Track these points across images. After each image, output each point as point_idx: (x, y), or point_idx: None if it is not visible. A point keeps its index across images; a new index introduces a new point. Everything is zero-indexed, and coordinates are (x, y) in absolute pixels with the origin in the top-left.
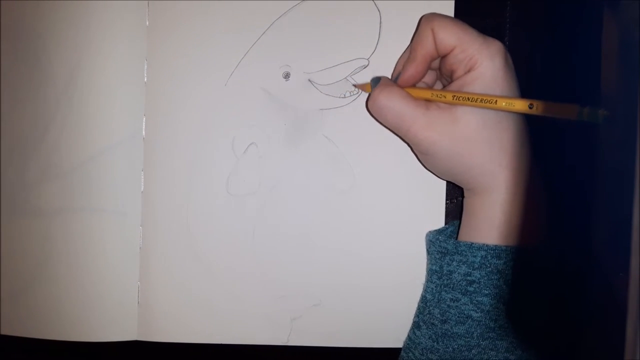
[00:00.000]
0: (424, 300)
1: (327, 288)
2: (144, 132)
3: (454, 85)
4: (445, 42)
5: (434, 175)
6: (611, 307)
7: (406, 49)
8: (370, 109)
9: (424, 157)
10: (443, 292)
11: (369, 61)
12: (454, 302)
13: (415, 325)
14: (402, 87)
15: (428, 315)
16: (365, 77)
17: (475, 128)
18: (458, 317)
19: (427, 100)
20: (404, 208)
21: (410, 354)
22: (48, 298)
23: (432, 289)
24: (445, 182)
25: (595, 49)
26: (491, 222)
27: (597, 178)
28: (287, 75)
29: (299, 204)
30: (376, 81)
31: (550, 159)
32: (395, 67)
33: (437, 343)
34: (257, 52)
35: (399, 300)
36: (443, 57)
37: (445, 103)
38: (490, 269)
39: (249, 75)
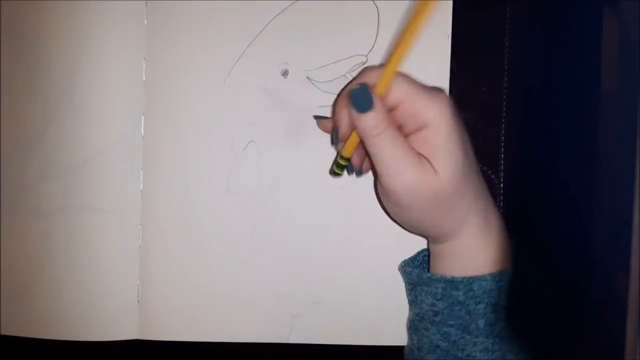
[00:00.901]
0: (407, 326)
1: (328, 285)
2: (143, 131)
3: (412, 142)
4: (393, 97)
5: None
6: (611, 307)
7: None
8: (387, 196)
9: (395, 208)
10: (416, 321)
11: (367, 58)
12: (425, 331)
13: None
14: (343, 139)
15: (409, 341)
16: None
17: (451, 178)
18: (429, 346)
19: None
20: None
21: None
22: (48, 298)
23: (410, 317)
24: None
25: (595, 49)
26: (452, 258)
27: (596, 178)
28: (285, 73)
29: (299, 201)
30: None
31: (550, 159)
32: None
33: None
34: (256, 50)
35: (399, 297)
36: (389, 111)
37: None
38: (451, 300)
39: (248, 73)
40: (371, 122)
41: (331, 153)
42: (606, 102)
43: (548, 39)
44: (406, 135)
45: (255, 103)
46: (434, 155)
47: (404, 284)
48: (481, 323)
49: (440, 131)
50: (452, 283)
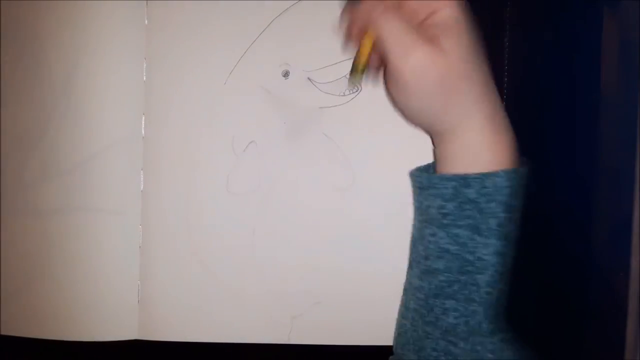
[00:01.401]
0: (412, 239)
1: (328, 286)
2: (143, 131)
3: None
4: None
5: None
6: (611, 307)
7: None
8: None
9: (403, 94)
10: (423, 228)
11: None
12: (432, 237)
13: (409, 266)
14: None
15: (415, 254)
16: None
17: (458, 60)
18: (437, 252)
19: None
20: (404, 205)
21: (405, 296)
22: (48, 297)
23: (416, 225)
24: None
25: (595, 49)
26: (459, 157)
27: (596, 178)
28: (286, 74)
29: (299, 202)
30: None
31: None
32: None
33: (422, 281)
34: (256, 51)
35: (399, 297)
36: None
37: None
38: (461, 199)
39: (249, 74)
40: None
41: (331, 153)
42: (606, 102)
43: (548, 39)
44: (419, 24)
45: (255, 104)
46: (443, 35)
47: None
48: (493, 222)
49: (449, 14)
50: (465, 180)
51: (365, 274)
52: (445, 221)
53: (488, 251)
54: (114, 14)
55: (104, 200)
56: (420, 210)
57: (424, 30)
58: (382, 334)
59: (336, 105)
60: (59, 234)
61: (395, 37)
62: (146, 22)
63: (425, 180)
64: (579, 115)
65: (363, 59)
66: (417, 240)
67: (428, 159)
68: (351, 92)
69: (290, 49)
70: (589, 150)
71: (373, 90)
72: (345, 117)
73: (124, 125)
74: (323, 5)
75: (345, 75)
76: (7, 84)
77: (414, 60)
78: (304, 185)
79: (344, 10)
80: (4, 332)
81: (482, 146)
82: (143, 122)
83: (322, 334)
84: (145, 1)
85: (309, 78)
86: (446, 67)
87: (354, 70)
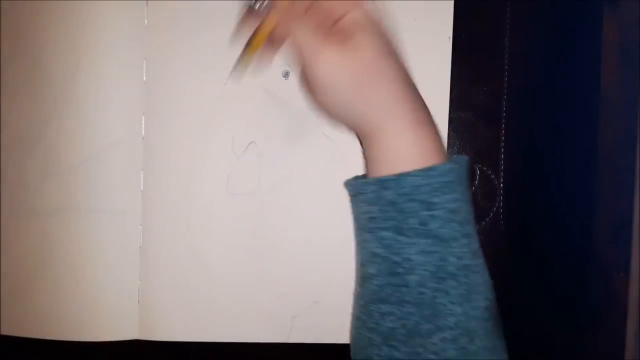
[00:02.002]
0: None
1: (327, 285)
2: (143, 131)
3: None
4: None
5: None
6: (611, 307)
7: None
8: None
9: (322, 96)
10: (358, 236)
11: None
12: (364, 243)
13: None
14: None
15: (357, 263)
16: None
17: (372, 57)
18: (369, 257)
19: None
20: None
21: (353, 305)
22: (48, 298)
23: (355, 234)
24: None
25: (595, 49)
26: (382, 158)
27: (596, 178)
28: (286, 74)
29: (299, 202)
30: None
31: (550, 159)
32: None
33: (361, 287)
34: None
35: None
36: None
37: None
38: (383, 201)
39: (248, 75)
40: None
41: (331, 153)
42: (606, 102)
43: (548, 40)
44: (333, 24)
45: (256, 104)
46: (355, 34)
47: None
48: (414, 222)
49: (361, 13)
50: (382, 183)
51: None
52: (371, 225)
53: (414, 250)
54: (114, 14)
55: (104, 201)
56: (355, 218)
57: (337, 30)
58: None
59: None
60: (59, 234)
61: (306, 39)
62: (146, 22)
63: (353, 187)
64: (579, 115)
65: (258, 42)
66: (356, 249)
67: None
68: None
69: (290, 49)
70: (589, 150)
71: None
72: None
73: (124, 126)
74: None
75: None
76: (8, 83)
77: (324, 60)
78: (304, 185)
79: (247, 11)
80: (4, 332)
81: (404, 147)
82: (143, 123)
83: (321, 333)
84: (145, 1)
85: None
86: (357, 65)
87: (245, 52)
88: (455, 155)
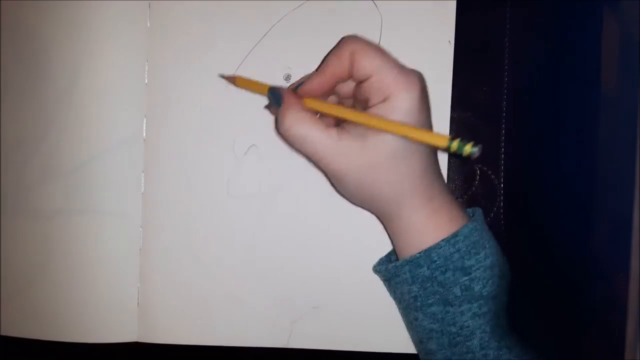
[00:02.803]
0: (408, 333)
1: (327, 290)
2: (144, 133)
3: (369, 109)
4: (363, 70)
5: None
6: (611, 307)
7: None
8: (279, 132)
9: (335, 182)
10: (406, 315)
11: None
12: (416, 321)
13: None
14: (302, 96)
15: (412, 338)
16: None
17: (386, 157)
18: (425, 333)
19: (337, 122)
20: None
21: None
22: (48, 299)
23: (401, 313)
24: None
25: (596, 50)
26: (406, 236)
27: (596, 178)
28: (288, 77)
29: (299, 205)
30: (275, 94)
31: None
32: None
33: None
34: (259, 54)
35: None
36: (359, 83)
37: (360, 124)
38: (420, 279)
39: (250, 77)
40: (283, 119)
41: None
42: (606, 102)
43: (548, 40)
44: (370, 107)
45: (257, 107)
46: (371, 133)
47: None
48: (457, 291)
49: (400, 107)
50: (414, 262)
51: (364, 278)
52: (417, 303)
53: (466, 317)
54: (116, 15)
55: (105, 202)
56: (397, 299)
57: (373, 111)
58: (381, 340)
59: None
60: (60, 236)
61: (311, 147)
62: (148, 24)
63: (386, 272)
64: (579, 115)
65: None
66: (408, 327)
67: None
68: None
69: (292, 52)
70: (589, 150)
71: None
72: None
73: (125, 127)
74: (325, 9)
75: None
76: (9, 85)
77: (332, 167)
78: (305, 188)
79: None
80: (4, 333)
81: (423, 222)
82: (144, 124)
83: (321, 338)
84: (147, 2)
85: None
86: (373, 162)
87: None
88: (469, 210)
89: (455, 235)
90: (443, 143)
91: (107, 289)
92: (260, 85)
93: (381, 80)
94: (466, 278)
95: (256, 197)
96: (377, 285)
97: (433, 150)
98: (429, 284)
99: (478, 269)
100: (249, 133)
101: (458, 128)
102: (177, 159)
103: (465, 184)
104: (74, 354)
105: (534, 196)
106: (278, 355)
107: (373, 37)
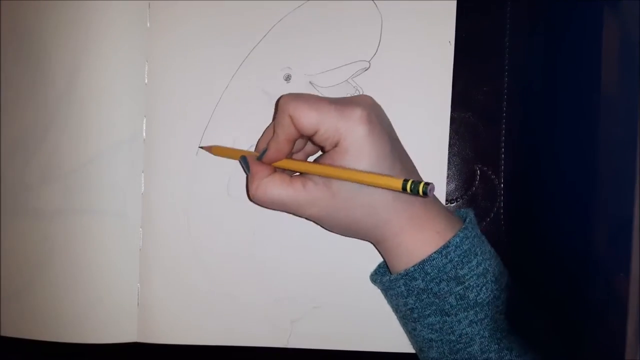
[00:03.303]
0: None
1: (327, 290)
2: (144, 133)
3: (325, 159)
4: (306, 129)
5: (434, 177)
6: (611, 307)
7: (270, 124)
8: (252, 201)
9: (321, 225)
10: (405, 325)
11: (370, 63)
12: (414, 331)
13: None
14: (268, 164)
15: (413, 345)
16: (367, 80)
17: (352, 196)
18: (425, 342)
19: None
20: None
21: None
22: (48, 299)
23: (399, 321)
24: (445, 184)
25: (596, 50)
26: (397, 252)
27: (596, 178)
28: (288, 78)
29: None
30: (245, 162)
31: (550, 159)
32: (260, 139)
33: None
34: (259, 54)
35: None
36: (310, 137)
37: (320, 176)
38: (415, 292)
39: (250, 77)
40: (249, 187)
41: None
42: (606, 102)
43: (548, 40)
44: (325, 153)
45: (257, 107)
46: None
47: None
48: (452, 300)
49: (349, 150)
50: (408, 275)
51: (364, 278)
52: (414, 315)
53: (464, 325)
54: (116, 16)
55: (105, 203)
56: (394, 308)
57: (330, 157)
58: (381, 339)
59: None
60: (60, 236)
61: (280, 205)
62: (148, 24)
63: (381, 284)
64: (579, 115)
65: (223, 152)
66: (407, 335)
67: (429, 162)
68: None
69: (292, 52)
70: (589, 150)
71: (374, 95)
72: None
73: (125, 128)
74: (325, 9)
75: (347, 80)
76: (9, 85)
77: (307, 214)
78: None
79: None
80: (4, 334)
81: (410, 241)
82: (144, 125)
83: (321, 338)
84: (147, 2)
85: (310, 82)
86: (336, 208)
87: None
88: (462, 211)
89: (446, 246)
90: (397, 186)
91: (107, 289)
92: (235, 152)
93: (325, 131)
94: (460, 287)
95: None
96: (377, 286)
97: (403, 169)
98: (424, 296)
99: (471, 277)
100: (249, 133)
101: (458, 128)
102: (177, 159)
103: (465, 184)
104: (73, 354)
105: (534, 196)
106: (278, 355)
107: (373, 37)
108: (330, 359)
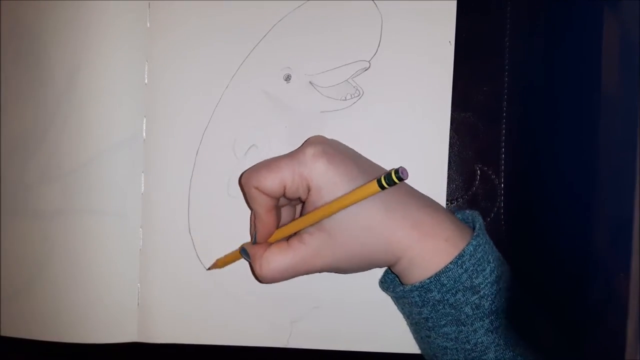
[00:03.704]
0: (415, 340)
1: (327, 290)
2: (144, 133)
3: (308, 206)
4: (274, 190)
5: (434, 178)
6: (611, 307)
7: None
8: (264, 282)
9: (337, 272)
10: (418, 331)
11: (370, 63)
12: (428, 338)
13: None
14: (264, 242)
15: (424, 351)
16: (367, 80)
17: (348, 227)
18: (439, 350)
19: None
20: None
21: None
22: (48, 299)
23: (410, 327)
24: (445, 184)
25: (596, 50)
26: (410, 270)
27: (597, 178)
28: (288, 78)
29: (299, 205)
30: (245, 253)
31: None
32: (250, 228)
33: None
34: (259, 54)
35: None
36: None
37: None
38: (431, 303)
39: (250, 77)
40: (254, 269)
41: None
42: (606, 102)
43: (548, 40)
44: (305, 201)
45: (257, 107)
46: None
47: None
48: (468, 310)
49: (321, 188)
50: (423, 287)
51: (364, 278)
52: (429, 324)
53: (480, 334)
54: (116, 15)
55: (105, 203)
56: (405, 315)
57: (310, 204)
58: (381, 340)
59: (337, 110)
60: (60, 236)
61: (288, 272)
62: (148, 24)
63: (394, 294)
64: (579, 115)
65: (226, 261)
66: (419, 340)
67: (429, 162)
68: (352, 97)
69: (292, 52)
70: (589, 150)
71: (374, 95)
72: (346, 122)
73: (125, 128)
74: (326, 9)
75: (347, 80)
76: (9, 85)
77: (318, 267)
78: None
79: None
80: (3, 334)
81: (421, 255)
82: (144, 125)
83: (321, 338)
84: (147, 2)
85: (310, 82)
86: (343, 249)
87: (218, 262)
88: (467, 213)
89: (461, 255)
90: (375, 188)
91: (106, 289)
92: (235, 253)
93: (291, 182)
94: (476, 297)
95: None
96: (377, 286)
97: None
98: (440, 307)
99: (485, 285)
100: (249, 133)
101: (458, 128)
102: (177, 159)
103: (466, 184)
104: (73, 354)
105: (534, 196)
106: (278, 355)
107: (373, 37)
108: (330, 359)
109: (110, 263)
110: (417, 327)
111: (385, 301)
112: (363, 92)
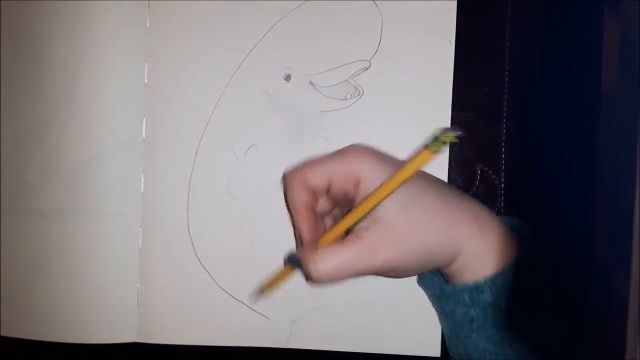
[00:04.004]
0: (446, 337)
1: (327, 291)
2: (144, 133)
3: (356, 203)
4: (318, 185)
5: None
6: (611, 307)
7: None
8: (319, 283)
9: (394, 274)
10: (455, 330)
11: (370, 63)
12: (468, 339)
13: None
14: (313, 244)
15: (455, 349)
16: (367, 79)
17: (405, 220)
18: (478, 352)
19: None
20: None
21: None
22: (48, 299)
23: (445, 327)
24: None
25: (596, 50)
26: (464, 271)
27: (597, 178)
28: (288, 77)
29: None
30: (293, 259)
31: (550, 159)
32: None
33: None
34: (259, 54)
35: (399, 304)
36: (330, 193)
37: (363, 216)
38: (481, 304)
39: (250, 77)
40: (310, 272)
41: None
42: (607, 102)
43: (548, 40)
44: (352, 198)
45: (257, 107)
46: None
47: (407, 291)
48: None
49: (370, 180)
50: (477, 288)
51: (364, 279)
52: (474, 325)
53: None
54: (116, 15)
55: (105, 203)
56: (445, 314)
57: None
58: (381, 341)
59: (338, 109)
60: (60, 236)
61: (348, 269)
62: (148, 24)
63: (439, 291)
64: (580, 114)
65: (274, 283)
66: (453, 339)
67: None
68: (352, 96)
69: (292, 52)
70: (589, 150)
71: (375, 95)
72: (346, 121)
73: (124, 127)
74: (326, 9)
75: (347, 79)
76: (9, 85)
77: (378, 265)
78: None
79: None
80: (3, 334)
81: (479, 255)
82: (144, 124)
83: (321, 338)
84: (147, 2)
85: (310, 82)
86: (399, 234)
87: (264, 287)
88: (505, 218)
89: (515, 262)
90: (429, 155)
91: (106, 289)
92: (282, 272)
93: (337, 180)
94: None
95: (256, 197)
96: (378, 285)
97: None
98: (490, 310)
99: (533, 279)
100: (249, 133)
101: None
102: (177, 159)
103: (466, 184)
104: (73, 354)
105: (534, 196)
106: (278, 355)
107: (373, 36)
108: (330, 359)
109: (110, 263)
110: (457, 326)
111: (386, 301)
112: (363, 92)
